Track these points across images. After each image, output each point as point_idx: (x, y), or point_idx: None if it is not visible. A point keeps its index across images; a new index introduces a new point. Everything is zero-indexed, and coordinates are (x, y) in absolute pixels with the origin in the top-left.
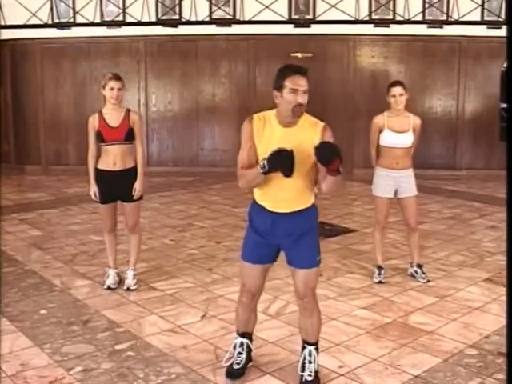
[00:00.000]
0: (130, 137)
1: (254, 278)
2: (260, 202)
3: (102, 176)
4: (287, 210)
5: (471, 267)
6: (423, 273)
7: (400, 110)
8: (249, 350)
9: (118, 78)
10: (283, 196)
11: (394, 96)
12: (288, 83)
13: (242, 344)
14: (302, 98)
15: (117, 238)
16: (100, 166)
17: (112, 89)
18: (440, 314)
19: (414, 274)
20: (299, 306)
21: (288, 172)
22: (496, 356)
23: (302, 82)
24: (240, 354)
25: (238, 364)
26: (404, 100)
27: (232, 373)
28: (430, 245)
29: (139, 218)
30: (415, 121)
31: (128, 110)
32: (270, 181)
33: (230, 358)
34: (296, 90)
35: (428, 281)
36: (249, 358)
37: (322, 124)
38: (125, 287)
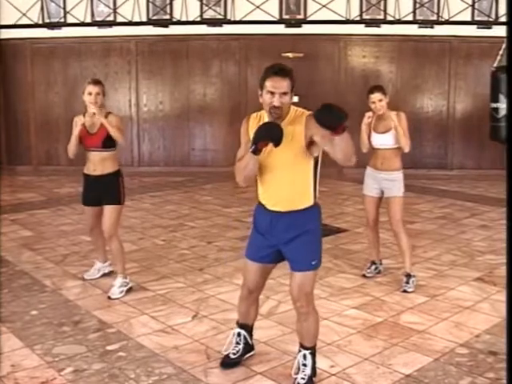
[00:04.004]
0: (108, 144)
1: (253, 275)
2: (261, 201)
3: (84, 179)
4: (285, 209)
5: (462, 266)
6: (407, 283)
7: (382, 114)
8: (246, 342)
9: (96, 82)
10: (280, 194)
11: (374, 103)
12: (267, 84)
13: (239, 334)
14: (278, 101)
15: (102, 237)
16: (84, 170)
17: (90, 93)
18: (431, 314)
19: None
20: (295, 310)
21: (275, 139)
22: (487, 355)
23: (280, 84)
24: (237, 344)
25: (234, 354)
26: (384, 104)
27: (227, 363)
28: (421, 244)
29: (117, 228)
30: (397, 117)
31: (107, 114)
32: (268, 177)
33: (229, 347)
34: (272, 92)
35: (405, 291)
36: (246, 350)
37: (307, 113)
38: (108, 294)
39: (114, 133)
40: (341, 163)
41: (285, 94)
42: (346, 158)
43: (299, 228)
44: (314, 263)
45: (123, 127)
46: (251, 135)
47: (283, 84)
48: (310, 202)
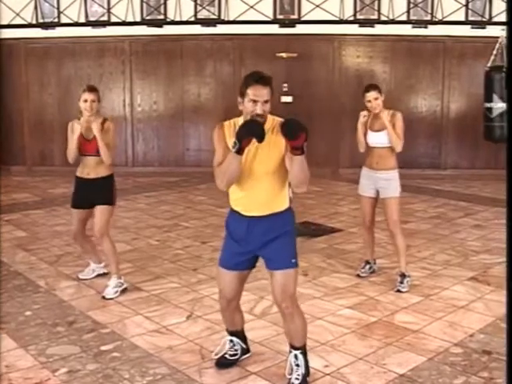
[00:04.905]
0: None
1: (229, 284)
2: (235, 208)
3: (76, 182)
4: (261, 214)
5: (456, 266)
6: (401, 282)
7: (377, 112)
8: (241, 347)
9: (91, 89)
10: (257, 199)
11: (370, 101)
12: (249, 92)
13: (231, 341)
14: (261, 109)
15: (88, 242)
16: (76, 173)
17: (86, 101)
18: (425, 313)
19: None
20: (280, 312)
21: (258, 135)
22: (481, 354)
23: (261, 92)
24: (233, 346)
25: (231, 356)
26: (380, 103)
27: (222, 362)
28: (416, 244)
29: (108, 228)
30: (393, 116)
31: (104, 120)
32: (248, 185)
33: (220, 351)
34: (255, 100)
35: (398, 290)
36: (243, 353)
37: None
38: (102, 294)
39: (104, 153)
40: (292, 185)
41: (266, 102)
42: (298, 180)
43: (277, 230)
44: (293, 261)
45: (115, 136)
46: (228, 144)
47: (264, 92)
48: (286, 204)
